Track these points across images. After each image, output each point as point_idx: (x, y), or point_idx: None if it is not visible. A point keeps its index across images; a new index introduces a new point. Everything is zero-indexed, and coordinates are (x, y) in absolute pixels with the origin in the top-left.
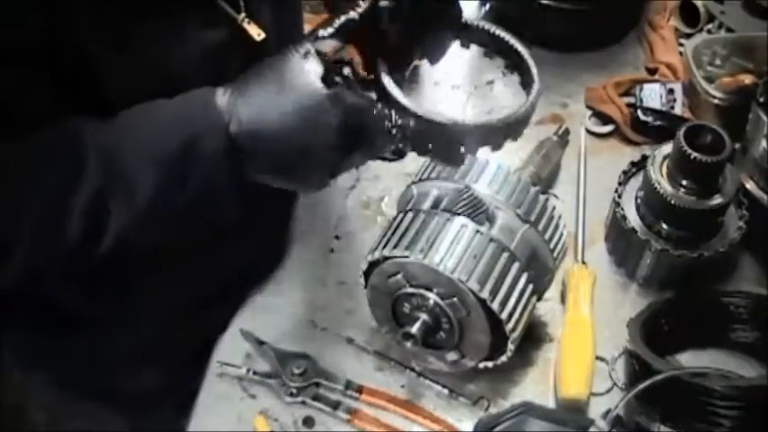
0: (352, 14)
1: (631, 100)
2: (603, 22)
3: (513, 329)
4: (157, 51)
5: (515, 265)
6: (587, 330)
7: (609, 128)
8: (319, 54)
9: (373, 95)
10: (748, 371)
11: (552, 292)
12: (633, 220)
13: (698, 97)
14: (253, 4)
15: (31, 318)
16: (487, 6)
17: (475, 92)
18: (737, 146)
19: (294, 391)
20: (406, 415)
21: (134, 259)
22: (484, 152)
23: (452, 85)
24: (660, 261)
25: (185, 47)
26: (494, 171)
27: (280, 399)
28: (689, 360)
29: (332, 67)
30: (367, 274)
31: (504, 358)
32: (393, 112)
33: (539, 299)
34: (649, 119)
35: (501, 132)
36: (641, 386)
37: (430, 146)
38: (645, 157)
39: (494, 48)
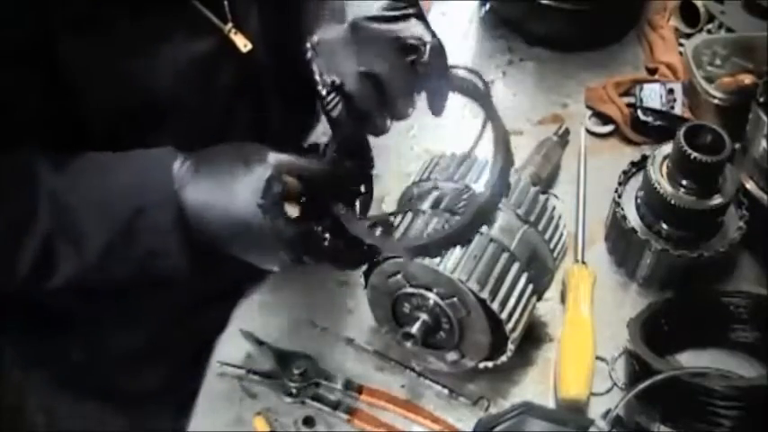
0: (319, 171)
1: (631, 100)
2: (603, 21)
3: (513, 329)
4: (142, 62)
5: (515, 266)
6: (587, 330)
7: (609, 128)
8: (276, 183)
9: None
10: (748, 371)
11: (552, 292)
12: (633, 220)
13: (698, 97)
14: (240, 14)
15: (26, 319)
16: (487, 6)
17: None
18: (737, 146)
19: (294, 391)
20: (406, 415)
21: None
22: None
23: None
24: (660, 261)
25: (171, 58)
26: None
27: (280, 399)
28: (689, 360)
29: (281, 199)
30: (367, 274)
31: (504, 358)
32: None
33: (539, 299)
34: (649, 119)
35: (467, 233)
36: (641, 386)
37: None
38: (645, 157)
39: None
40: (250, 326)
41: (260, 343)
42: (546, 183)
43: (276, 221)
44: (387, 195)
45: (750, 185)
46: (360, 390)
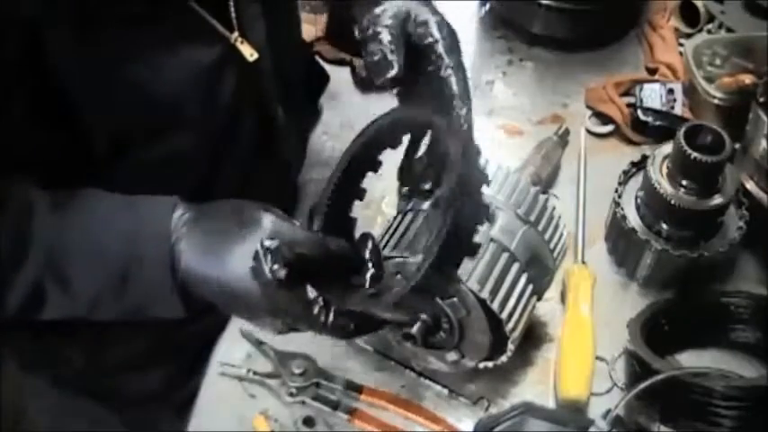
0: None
1: (631, 100)
2: (603, 21)
3: (513, 329)
4: (148, 72)
5: (515, 266)
6: (587, 330)
7: (609, 128)
8: (269, 251)
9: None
10: (748, 371)
11: (552, 292)
12: (633, 220)
13: (698, 97)
14: (246, 22)
15: (27, 322)
16: (487, 6)
17: (475, 92)
18: (737, 146)
19: (294, 391)
20: (406, 415)
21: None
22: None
23: None
24: (660, 261)
25: (176, 67)
26: (494, 171)
27: (280, 399)
28: (689, 360)
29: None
30: None
31: (504, 358)
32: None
33: (539, 299)
34: (649, 119)
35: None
36: (641, 386)
37: None
38: (645, 157)
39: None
40: (250, 326)
41: (260, 343)
42: (546, 183)
43: (267, 288)
44: (387, 195)
45: (750, 185)
46: (360, 390)
